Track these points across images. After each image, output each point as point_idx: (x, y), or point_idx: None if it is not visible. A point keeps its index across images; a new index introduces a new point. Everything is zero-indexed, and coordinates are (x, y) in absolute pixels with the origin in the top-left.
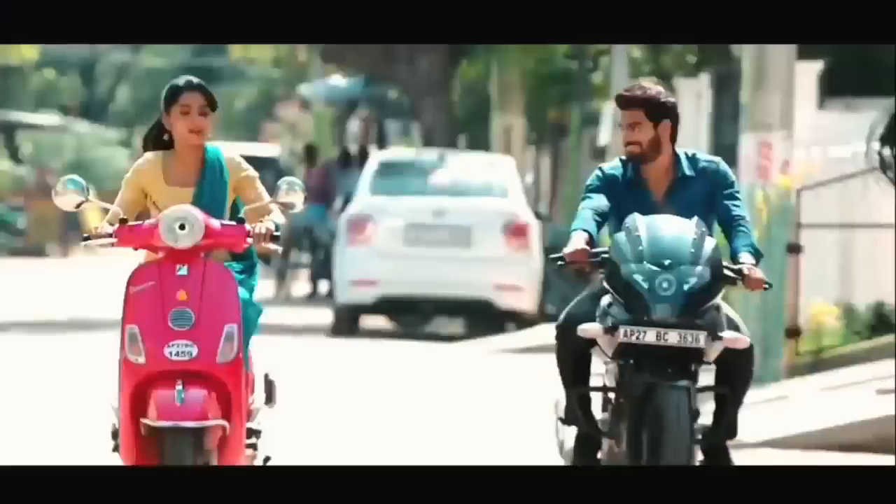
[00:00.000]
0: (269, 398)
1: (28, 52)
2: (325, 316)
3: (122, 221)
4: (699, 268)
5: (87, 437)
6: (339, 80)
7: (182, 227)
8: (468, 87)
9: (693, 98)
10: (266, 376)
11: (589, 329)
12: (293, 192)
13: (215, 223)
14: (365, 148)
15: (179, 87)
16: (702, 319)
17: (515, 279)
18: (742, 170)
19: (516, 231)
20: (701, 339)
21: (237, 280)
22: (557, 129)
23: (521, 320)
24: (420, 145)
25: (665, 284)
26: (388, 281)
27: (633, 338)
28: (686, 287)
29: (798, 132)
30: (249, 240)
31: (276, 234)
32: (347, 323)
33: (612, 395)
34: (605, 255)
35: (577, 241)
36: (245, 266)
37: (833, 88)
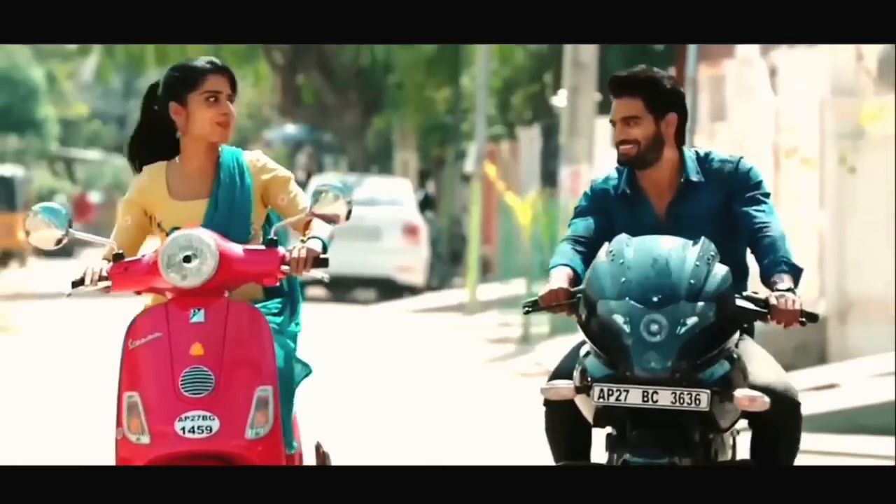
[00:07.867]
0: None
1: (81, 109)
2: None
3: (118, 257)
4: (700, 304)
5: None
6: (291, 128)
7: (188, 258)
8: (378, 133)
9: (529, 141)
10: (318, 447)
11: (557, 388)
12: (336, 201)
13: (234, 248)
14: (309, 174)
15: (203, 69)
16: (705, 373)
17: (410, 262)
18: (561, 191)
19: (411, 230)
20: (703, 399)
21: (273, 326)
22: (438, 162)
23: (414, 290)
24: (346, 172)
25: (654, 327)
26: None
27: (612, 399)
28: (681, 331)
29: (600, 164)
30: (285, 267)
31: (322, 255)
32: None
33: None
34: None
35: (556, 280)
36: (282, 304)
37: None
